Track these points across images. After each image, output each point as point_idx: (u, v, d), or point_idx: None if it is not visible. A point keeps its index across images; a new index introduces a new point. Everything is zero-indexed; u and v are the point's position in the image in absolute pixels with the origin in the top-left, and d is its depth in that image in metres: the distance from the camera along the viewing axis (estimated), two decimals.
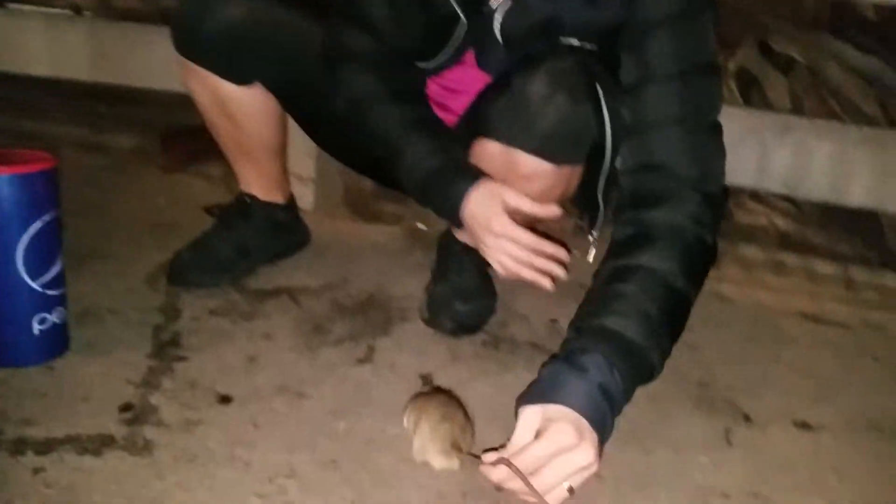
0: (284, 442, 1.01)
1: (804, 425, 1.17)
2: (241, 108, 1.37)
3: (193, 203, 1.75)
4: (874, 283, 1.69)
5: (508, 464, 0.87)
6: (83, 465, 0.94)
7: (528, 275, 1.12)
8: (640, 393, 1.00)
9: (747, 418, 1.17)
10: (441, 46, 1.21)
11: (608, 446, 0.93)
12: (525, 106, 1.09)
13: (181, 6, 1.32)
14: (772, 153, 1.69)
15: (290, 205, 1.54)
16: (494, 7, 1.16)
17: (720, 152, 1.09)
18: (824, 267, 1.73)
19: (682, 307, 1.03)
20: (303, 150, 1.71)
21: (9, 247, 1.07)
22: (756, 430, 1.15)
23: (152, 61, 1.92)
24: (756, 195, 1.79)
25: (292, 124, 1.47)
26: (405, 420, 1.03)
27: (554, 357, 0.98)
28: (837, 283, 1.69)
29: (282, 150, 1.48)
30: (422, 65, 1.25)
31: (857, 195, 1.68)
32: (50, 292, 1.12)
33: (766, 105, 1.78)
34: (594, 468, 0.88)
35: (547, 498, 0.87)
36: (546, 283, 1.12)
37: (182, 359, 1.18)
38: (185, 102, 1.44)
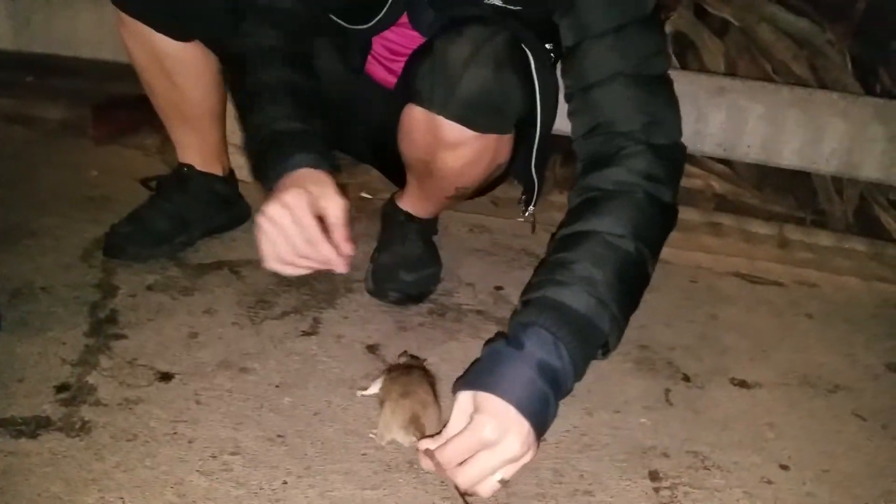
0: (228, 417, 1.00)
1: (741, 383, 1.20)
2: (179, 67, 1.32)
3: (128, 176, 1.70)
4: (807, 243, 1.75)
5: (432, 455, 0.86)
6: (18, 447, 0.92)
7: (279, 268, 1.00)
8: None
9: (686, 378, 1.20)
10: (379, 6, 1.18)
11: None
12: (446, 70, 1.05)
13: None
14: (707, 116, 1.72)
15: (230, 178, 1.50)
16: None
17: (670, 103, 1.02)
18: (759, 227, 1.78)
19: (635, 270, 0.96)
20: None
21: None
22: (695, 389, 1.18)
23: (78, 29, 1.85)
24: (692, 158, 1.82)
25: None
26: (372, 390, 1.04)
27: (500, 334, 0.94)
28: (772, 242, 1.74)
29: (220, 117, 1.43)
30: (361, 26, 1.23)
31: (789, 156, 1.73)
32: None
33: (702, 68, 1.80)
34: (526, 459, 0.85)
35: (477, 489, 0.85)
36: (290, 272, 1.00)
37: (120, 336, 1.15)
38: (116, 72, 1.39)
